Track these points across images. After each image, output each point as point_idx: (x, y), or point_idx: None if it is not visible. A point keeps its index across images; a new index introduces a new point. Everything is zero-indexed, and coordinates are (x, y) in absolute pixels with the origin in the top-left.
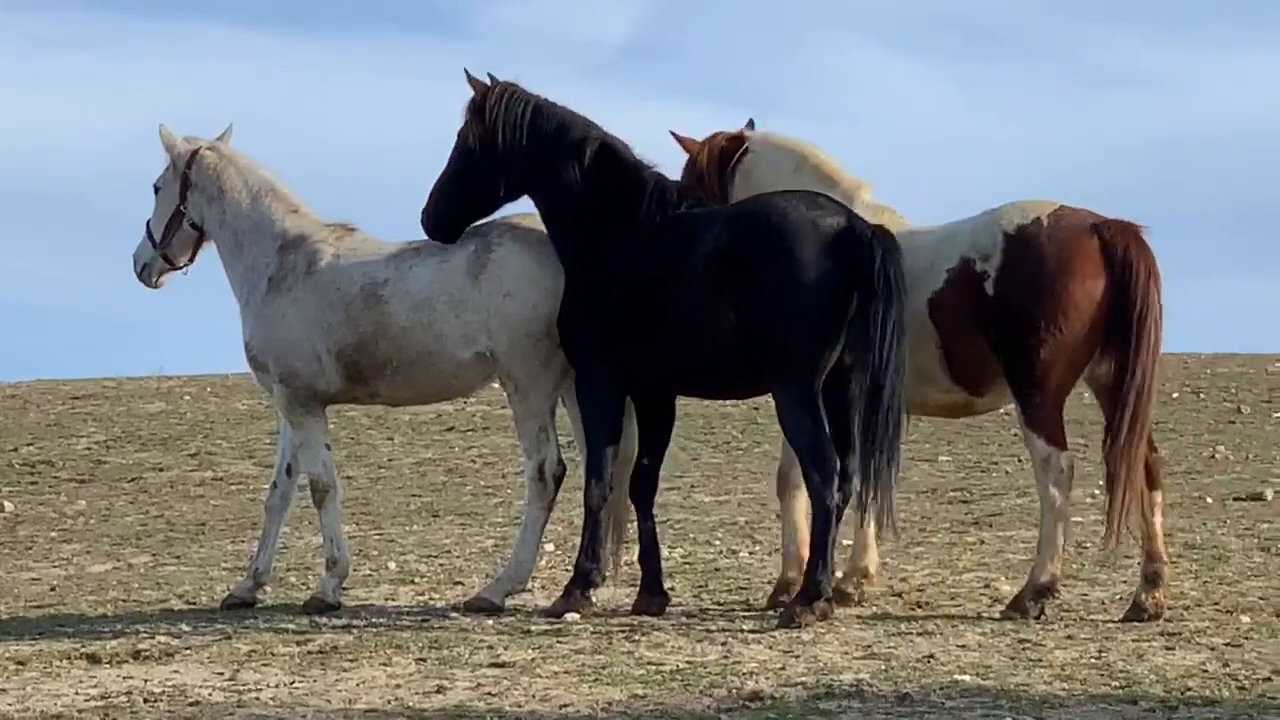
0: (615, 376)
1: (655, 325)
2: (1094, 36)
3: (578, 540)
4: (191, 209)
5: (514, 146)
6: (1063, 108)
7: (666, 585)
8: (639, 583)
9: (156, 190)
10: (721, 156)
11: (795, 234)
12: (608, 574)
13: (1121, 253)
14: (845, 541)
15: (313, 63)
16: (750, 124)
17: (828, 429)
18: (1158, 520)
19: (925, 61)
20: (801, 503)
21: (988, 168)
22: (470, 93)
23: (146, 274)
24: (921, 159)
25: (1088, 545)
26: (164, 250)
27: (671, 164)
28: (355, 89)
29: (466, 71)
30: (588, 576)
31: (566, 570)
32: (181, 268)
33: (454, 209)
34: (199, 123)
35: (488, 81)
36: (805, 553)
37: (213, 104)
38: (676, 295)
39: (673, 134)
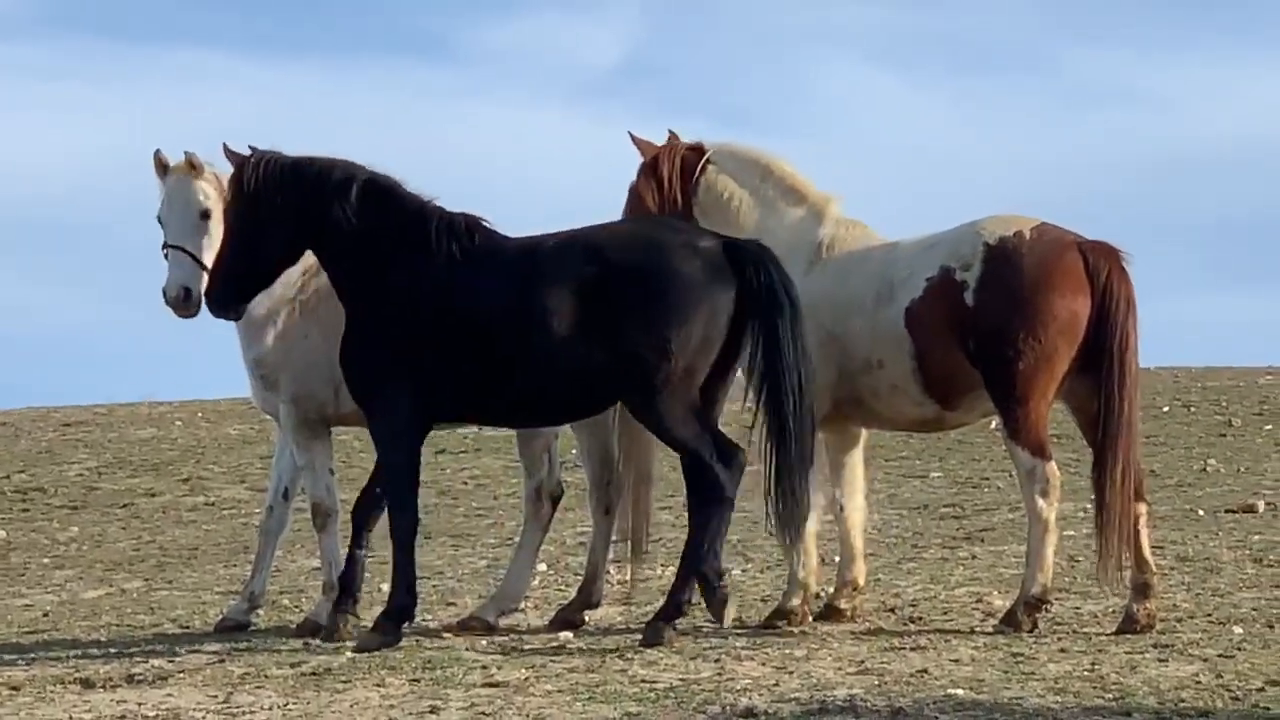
0: (414, 412)
1: (483, 357)
2: (1084, 54)
3: (571, 561)
4: None
5: (281, 206)
6: (1053, 125)
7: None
8: (334, 603)
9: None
10: (684, 167)
11: (676, 257)
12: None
13: (1104, 277)
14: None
15: (302, 87)
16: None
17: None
18: (1144, 532)
19: (916, 79)
20: (811, 527)
21: (979, 185)
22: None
23: None
24: (912, 176)
25: (1080, 559)
26: None
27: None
28: (344, 113)
29: (225, 146)
30: (404, 611)
31: (559, 590)
32: None
33: (236, 283)
34: (193, 147)
35: (246, 153)
36: (806, 576)
37: (200, 128)
38: (519, 326)
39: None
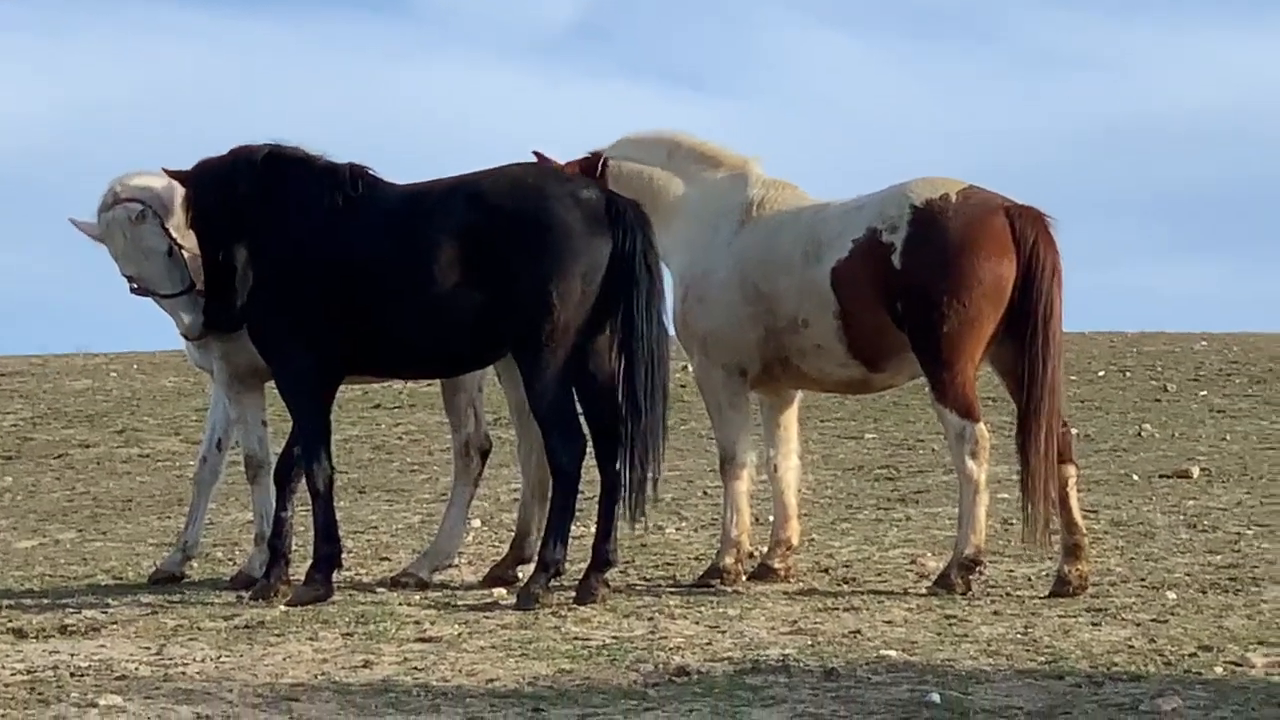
0: (315, 365)
1: (370, 306)
2: (1041, 18)
3: (505, 517)
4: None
5: (219, 206)
6: (1009, 89)
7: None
8: (267, 567)
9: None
10: (584, 170)
11: (558, 205)
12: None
13: (1031, 242)
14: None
15: (259, 42)
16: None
17: (576, 403)
18: (1073, 494)
19: (871, 42)
20: (744, 486)
21: (930, 148)
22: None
23: None
24: (864, 138)
25: (1013, 522)
26: None
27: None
28: (300, 69)
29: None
30: (330, 559)
31: (493, 546)
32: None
33: (220, 296)
34: (143, 102)
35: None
36: (740, 535)
37: (155, 83)
38: (401, 273)
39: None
